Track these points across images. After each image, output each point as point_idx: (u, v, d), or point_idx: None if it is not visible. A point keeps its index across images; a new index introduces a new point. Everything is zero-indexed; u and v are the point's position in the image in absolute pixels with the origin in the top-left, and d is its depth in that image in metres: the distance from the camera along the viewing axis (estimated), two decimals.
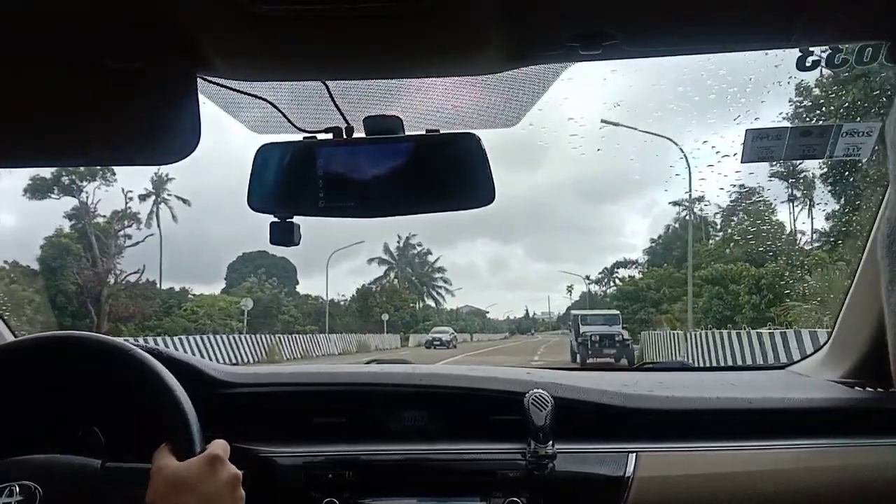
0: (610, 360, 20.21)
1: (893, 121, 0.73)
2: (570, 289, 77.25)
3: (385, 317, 45.90)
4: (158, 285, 39.41)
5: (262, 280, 43.62)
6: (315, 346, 28.27)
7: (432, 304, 64.18)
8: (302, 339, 28.37)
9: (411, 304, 53.99)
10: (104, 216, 35.00)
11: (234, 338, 23.53)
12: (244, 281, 44.29)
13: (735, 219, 30.22)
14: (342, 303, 49.37)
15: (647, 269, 40.81)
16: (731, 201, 30.42)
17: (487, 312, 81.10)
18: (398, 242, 62.11)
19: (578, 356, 21.74)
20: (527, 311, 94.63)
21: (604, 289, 57.72)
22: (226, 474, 0.98)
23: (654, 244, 47.13)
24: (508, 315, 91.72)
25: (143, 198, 40.88)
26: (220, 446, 1.02)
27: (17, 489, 1.03)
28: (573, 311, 29.59)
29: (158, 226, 42.34)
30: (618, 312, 27.13)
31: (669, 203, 42.78)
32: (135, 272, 33.96)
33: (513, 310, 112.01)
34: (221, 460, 0.99)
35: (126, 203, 35.65)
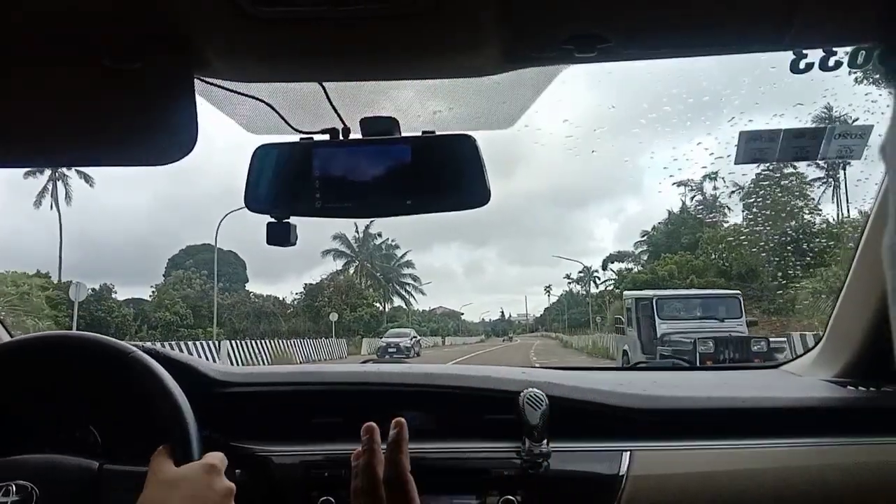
0: None
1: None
2: (548, 289, 76.03)
3: (334, 317, 37.49)
4: (57, 279, 32.65)
5: (191, 274, 38.16)
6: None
7: (402, 304, 57.15)
8: (167, 347, 19.55)
9: (375, 304, 47.12)
10: None
11: None
12: (171, 275, 38.75)
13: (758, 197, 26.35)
14: (295, 302, 42.93)
15: (660, 258, 36.51)
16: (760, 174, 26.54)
17: (462, 314, 78.28)
18: (357, 233, 54.32)
19: None
20: (502, 312, 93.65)
21: (585, 289, 54.93)
22: (220, 485, 0.98)
23: (648, 235, 44.59)
24: (484, 317, 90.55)
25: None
26: (217, 457, 1.02)
27: (14, 489, 1.03)
28: (632, 295, 15.99)
29: (57, 207, 37.08)
30: (737, 293, 14.99)
31: (674, 184, 40.15)
32: None
33: (489, 311, 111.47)
34: (217, 470, 0.99)
35: None
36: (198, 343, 23.11)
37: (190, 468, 0.98)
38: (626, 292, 19.01)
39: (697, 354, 11.39)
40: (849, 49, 0.91)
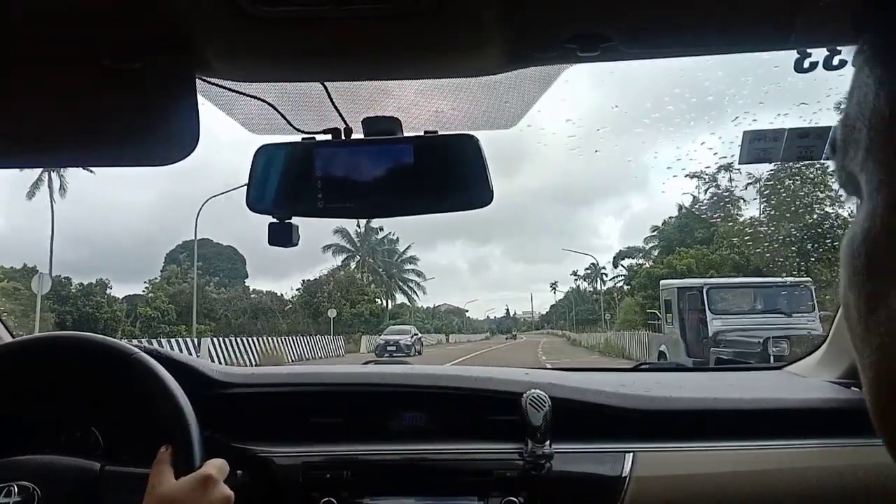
0: None
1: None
2: (554, 286, 75.71)
3: (332, 313, 35.33)
4: (48, 273, 30.04)
5: (186, 269, 36.34)
6: None
7: (405, 300, 55.71)
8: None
9: (376, 300, 45.62)
10: None
11: None
12: (165, 269, 37.40)
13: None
14: (293, 298, 41.24)
15: (675, 252, 34.29)
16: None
17: (466, 311, 77.31)
18: (358, 227, 52.83)
19: None
20: (507, 309, 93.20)
21: (592, 285, 53.53)
22: (217, 495, 0.99)
23: (659, 230, 42.78)
24: (488, 314, 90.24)
25: None
26: (215, 466, 1.03)
27: (16, 489, 1.03)
28: (673, 284, 13.42)
29: (51, 198, 36.33)
30: (807, 280, 12.11)
31: (686, 176, 37.16)
32: None
33: (494, 308, 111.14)
34: (215, 481, 1.00)
35: None
36: (174, 340, 21.59)
37: (187, 482, 0.99)
38: (663, 281, 15.70)
39: (771, 357, 8.85)
40: (853, 48, 0.91)
